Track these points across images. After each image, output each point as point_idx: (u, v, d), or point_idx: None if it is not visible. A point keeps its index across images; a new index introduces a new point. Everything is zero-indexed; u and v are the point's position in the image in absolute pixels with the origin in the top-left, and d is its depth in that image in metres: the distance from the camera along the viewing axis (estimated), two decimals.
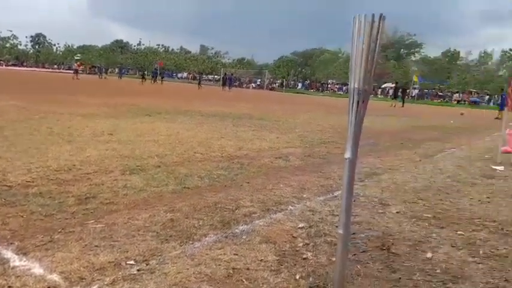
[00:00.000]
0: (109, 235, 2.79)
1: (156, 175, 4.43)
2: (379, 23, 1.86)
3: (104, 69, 54.28)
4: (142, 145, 6.12)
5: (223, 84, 42.84)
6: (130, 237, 2.77)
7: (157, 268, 2.38)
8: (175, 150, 5.96)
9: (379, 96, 54.01)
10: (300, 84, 66.66)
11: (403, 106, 30.02)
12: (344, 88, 57.21)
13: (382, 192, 4.45)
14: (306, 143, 7.81)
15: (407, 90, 48.41)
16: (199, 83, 42.27)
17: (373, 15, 1.84)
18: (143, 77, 45.31)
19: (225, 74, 48.78)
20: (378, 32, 1.88)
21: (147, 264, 2.41)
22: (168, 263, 2.44)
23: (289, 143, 7.69)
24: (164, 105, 14.12)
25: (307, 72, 75.86)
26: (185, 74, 76.27)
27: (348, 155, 2.07)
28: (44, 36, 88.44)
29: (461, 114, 24.93)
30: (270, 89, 62.40)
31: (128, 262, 2.41)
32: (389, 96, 50.11)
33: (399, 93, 33.80)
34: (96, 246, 2.60)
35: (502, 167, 6.50)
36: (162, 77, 50.56)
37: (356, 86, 1.96)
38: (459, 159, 7.17)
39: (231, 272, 2.40)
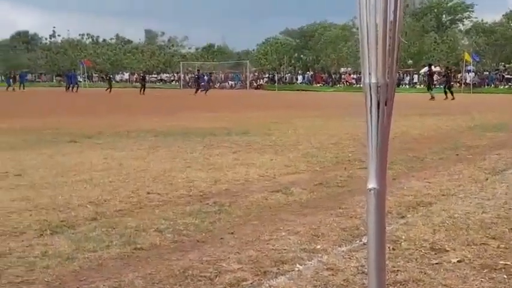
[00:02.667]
0: None
1: (91, 233, 4.37)
2: None
3: (11, 77, 55.34)
4: (68, 188, 6.07)
5: (197, 87, 44.05)
6: None
7: None
8: (119, 192, 5.92)
9: (405, 86, 54.92)
10: (299, 78, 67.30)
11: (453, 98, 30.49)
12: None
13: (435, 233, 4.45)
14: (314, 165, 7.85)
15: (456, 75, 49.24)
16: (142, 88, 43.62)
17: None
18: (68, 86, 49.01)
19: (198, 71, 49.92)
20: None
21: None
22: None
23: (289, 166, 7.71)
24: (97, 125, 14.08)
25: (308, 58, 76.65)
26: (126, 75, 76.52)
27: (372, 184, 2.06)
28: None
29: None
30: (256, 87, 62.98)
31: None
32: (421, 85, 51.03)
33: (443, 81, 34.33)
34: None
35: None
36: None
37: (373, 80, 1.97)
38: None
39: None
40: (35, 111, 20.79)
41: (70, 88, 47.72)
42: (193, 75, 54.25)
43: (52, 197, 5.63)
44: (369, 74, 2.00)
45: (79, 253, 3.89)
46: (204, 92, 43.02)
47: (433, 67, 46.37)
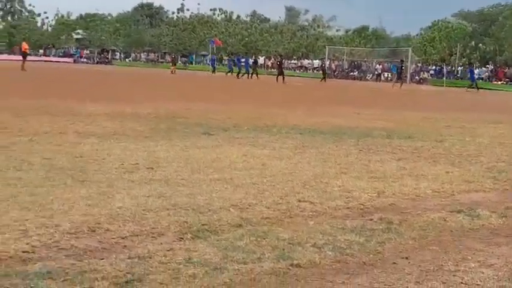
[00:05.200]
0: None
1: (238, 241, 4.52)
2: None
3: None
4: (207, 187, 6.32)
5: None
6: None
7: None
8: (264, 196, 6.07)
9: None
10: (476, 71, 64.88)
11: None
12: None
13: None
14: (504, 183, 7.58)
15: None
16: (279, 74, 43.13)
17: None
18: (173, 63, 54.78)
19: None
20: None
21: None
22: None
23: (471, 182, 7.51)
24: (233, 114, 14.55)
25: (487, 48, 73.53)
26: (261, 59, 78.18)
27: None
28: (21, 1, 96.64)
29: None
30: (419, 82, 61.85)
31: None
32: None
33: None
34: None
35: None
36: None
37: None
38: None
39: None
40: (165, 92, 21.91)
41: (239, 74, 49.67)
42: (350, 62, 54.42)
43: (190, 195, 5.89)
44: None
45: (227, 263, 4.03)
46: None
47: None
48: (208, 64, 65.50)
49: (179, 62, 69.79)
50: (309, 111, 17.62)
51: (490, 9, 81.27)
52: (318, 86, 42.93)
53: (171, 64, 58.71)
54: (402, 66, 45.22)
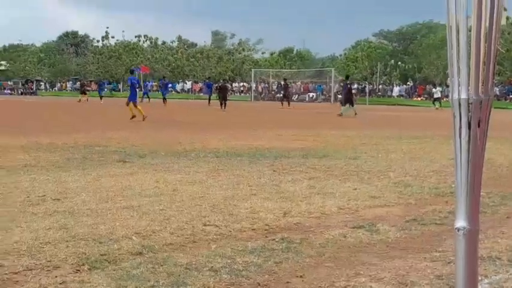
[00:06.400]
0: None
1: (134, 270, 4.47)
2: None
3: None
4: (112, 216, 6.25)
5: (283, 97, 44.99)
6: None
7: None
8: (170, 222, 6.04)
9: None
10: (396, 89, 66.59)
11: None
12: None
13: None
14: (408, 197, 7.75)
15: None
16: (222, 100, 39.62)
17: None
18: (83, 92, 52.48)
19: (285, 80, 50.56)
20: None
21: None
22: None
23: (377, 198, 7.65)
24: (152, 141, 14.46)
25: (407, 66, 75.69)
26: (189, 84, 78.23)
27: (460, 222, 2.04)
28: None
29: None
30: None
31: None
32: None
33: None
34: None
35: None
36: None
37: (464, 95, 1.96)
38: None
39: None
40: (82, 124, 21.60)
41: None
42: (280, 84, 54.74)
43: (93, 226, 5.81)
44: (459, 88, 2.00)
45: None
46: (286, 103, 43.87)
47: None
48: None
49: (105, 89, 68.36)
50: (232, 134, 17.66)
51: (409, 28, 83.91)
52: (245, 108, 43.07)
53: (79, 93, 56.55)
54: (350, 86, 39.24)
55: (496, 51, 1.95)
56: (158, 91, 53.96)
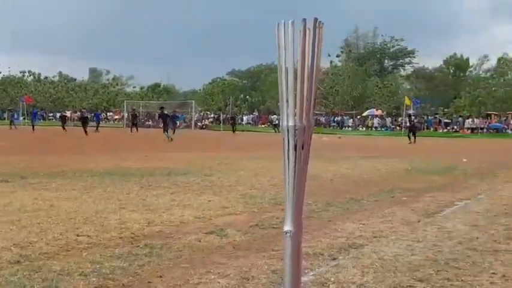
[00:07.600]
0: None
1: (12, 277, 4.22)
2: (316, 30, 1.96)
3: None
4: None
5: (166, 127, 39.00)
6: None
7: None
8: (46, 234, 5.76)
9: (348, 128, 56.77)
10: (245, 118, 67.83)
11: (413, 142, 31.66)
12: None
13: (364, 275, 4.51)
14: (252, 206, 7.88)
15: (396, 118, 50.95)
16: (84, 124, 39.01)
17: (304, 21, 1.94)
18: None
19: (161, 108, 42.97)
20: (315, 43, 1.98)
21: None
22: None
23: (227, 208, 7.71)
24: (35, 163, 13.71)
25: (254, 99, 77.66)
26: (68, 114, 74.99)
27: (287, 226, 2.10)
28: None
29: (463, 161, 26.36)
30: (202, 127, 63.19)
31: None
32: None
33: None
34: None
35: None
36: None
37: (291, 123, 2.03)
38: (475, 215, 7.48)
39: None
40: None
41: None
42: (160, 113, 52.92)
43: None
44: (287, 117, 2.07)
45: None
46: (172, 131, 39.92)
47: (374, 110, 47.75)
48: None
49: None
50: (103, 157, 17.13)
51: (255, 68, 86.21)
52: (116, 135, 41.98)
53: None
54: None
55: (316, 88, 2.04)
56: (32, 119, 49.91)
